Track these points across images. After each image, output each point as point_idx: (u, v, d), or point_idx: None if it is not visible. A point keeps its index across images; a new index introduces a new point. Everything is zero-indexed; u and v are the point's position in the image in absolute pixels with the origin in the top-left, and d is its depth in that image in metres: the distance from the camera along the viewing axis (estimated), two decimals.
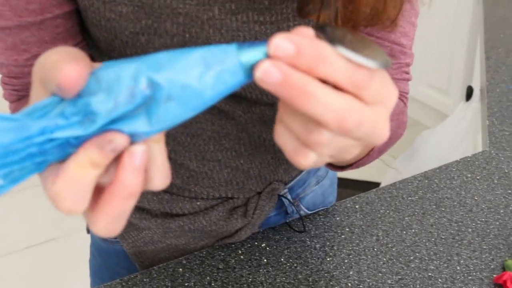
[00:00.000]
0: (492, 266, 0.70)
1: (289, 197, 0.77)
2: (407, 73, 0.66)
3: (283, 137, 0.33)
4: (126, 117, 0.29)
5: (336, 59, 0.29)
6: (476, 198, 0.82)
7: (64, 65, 0.28)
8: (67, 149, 0.29)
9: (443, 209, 0.80)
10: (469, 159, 0.90)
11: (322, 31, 0.31)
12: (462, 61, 2.37)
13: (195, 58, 0.29)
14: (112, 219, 0.30)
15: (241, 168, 0.69)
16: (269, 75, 0.29)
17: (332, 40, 0.30)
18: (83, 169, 0.29)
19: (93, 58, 0.60)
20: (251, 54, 0.30)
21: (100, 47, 0.56)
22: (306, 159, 0.32)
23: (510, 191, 0.83)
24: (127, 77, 0.29)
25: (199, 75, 0.29)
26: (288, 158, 0.33)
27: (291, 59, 0.29)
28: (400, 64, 0.63)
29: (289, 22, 0.53)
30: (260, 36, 0.53)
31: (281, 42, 0.29)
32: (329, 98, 0.29)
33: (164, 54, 0.30)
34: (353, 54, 0.29)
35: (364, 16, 0.47)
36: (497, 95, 1.11)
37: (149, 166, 0.31)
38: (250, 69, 0.30)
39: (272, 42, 0.29)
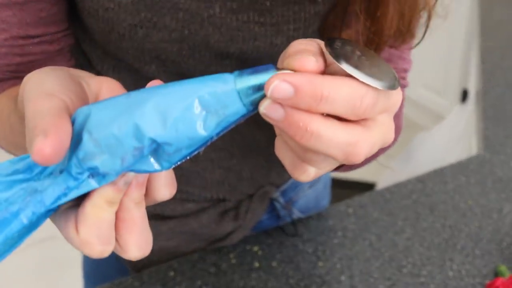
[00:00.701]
0: (484, 272, 0.70)
1: (281, 200, 0.76)
2: (404, 78, 0.65)
3: (282, 152, 0.33)
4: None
5: (337, 95, 0.28)
6: (469, 203, 0.81)
7: (37, 137, 0.26)
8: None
9: (436, 213, 0.79)
10: (463, 163, 0.90)
11: (330, 45, 0.30)
12: (458, 63, 2.37)
13: (194, 105, 0.29)
14: (136, 234, 0.31)
15: (234, 169, 0.68)
16: (271, 112, 0.29)
17: (338, 57, 0.29)
18: (101, 209, 0.30)
19: (82, 49, 0.59)
20: (251, 88, 0.29)
21: (95, 40, 0.55)
22: (305, 174, 0.32)
23: (503, 196, 0.83)
24: (129, 138, 0.28)
25: (203, 123, 0.29)
26: (288, 172, 0.33)
27: (289, 101, 0.28)
28: (397, 70, 0.63)
29: (289, 25, 0.53)
30: (259, 37, 0.53)
31: (278, 84, 0.28)
32: (333, 134, 0.29)
33: (157, 96, 0.29)
34: (358, 73, 0.29)
35: (388, 38, 0.46)
36: (492, 99, 1.11)
37: (152, 178, 0.32)
38: (253, 104, 0.30)
39: (269, 84, 0.28)
